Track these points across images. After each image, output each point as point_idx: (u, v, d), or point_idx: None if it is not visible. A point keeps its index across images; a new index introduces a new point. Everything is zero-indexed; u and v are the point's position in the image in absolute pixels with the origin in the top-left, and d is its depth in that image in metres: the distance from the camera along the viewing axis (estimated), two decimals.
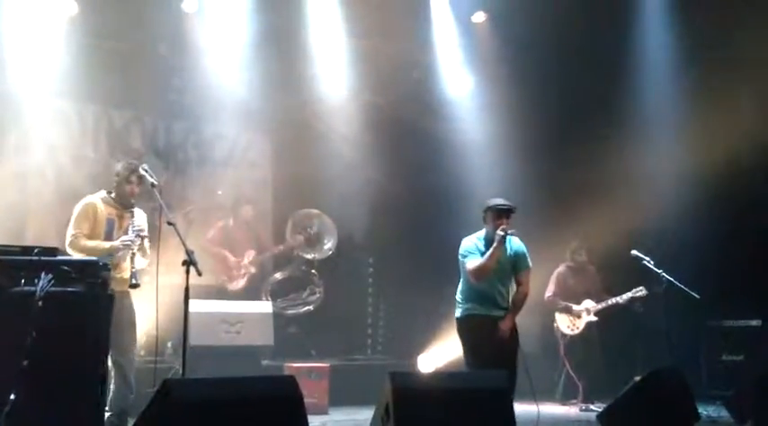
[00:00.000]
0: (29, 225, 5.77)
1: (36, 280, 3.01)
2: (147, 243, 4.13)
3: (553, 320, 6.03)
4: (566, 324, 5.95)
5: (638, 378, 4.28)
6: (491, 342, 4.11)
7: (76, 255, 3.79)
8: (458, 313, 4.28)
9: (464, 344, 4.22)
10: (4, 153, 5.52)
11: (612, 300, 5.79)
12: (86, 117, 6.37)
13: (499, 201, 4.23)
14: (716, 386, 5.41)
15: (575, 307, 5.92)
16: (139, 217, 4.10)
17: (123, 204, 4.08)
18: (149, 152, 6.63)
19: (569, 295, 5.99)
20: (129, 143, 6.57)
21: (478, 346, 4.12)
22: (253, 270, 6.18)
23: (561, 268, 6.08)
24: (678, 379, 4.10)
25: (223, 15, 6.38)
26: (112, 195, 4.09)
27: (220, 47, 6.38)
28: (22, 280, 3.02)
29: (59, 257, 3.25)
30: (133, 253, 3.88)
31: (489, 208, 4.22)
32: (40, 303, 2.95)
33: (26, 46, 5.58)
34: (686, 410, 4.08)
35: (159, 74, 6.31)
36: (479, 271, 4.12)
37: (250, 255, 6.18)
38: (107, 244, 3.93)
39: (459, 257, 4.28)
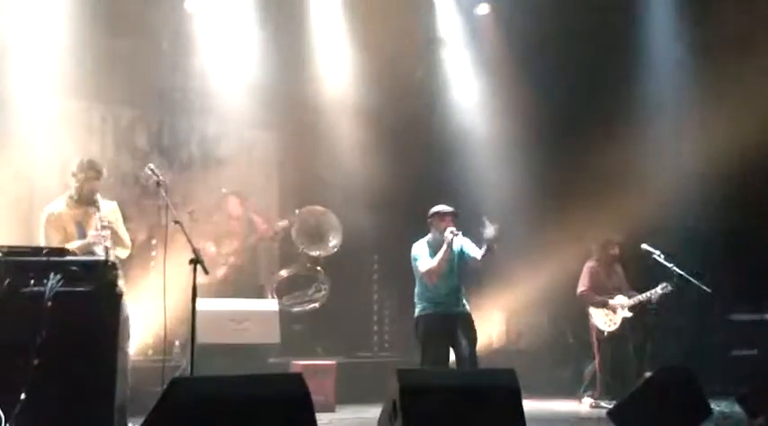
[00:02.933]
0: (36, 224, 5.77)
1: (45, 280, 3.02)
2: (122, 230, 4.11)
3: (579, 315, 5.87)
4: (602, 320, 5.75)
5: (648, 374, 4.25)
6: (446, 340, 4.34)
7: None
8: (416, 312, 4.51)
9: (421, 343, 4.42)
10: (11, 153, 5.53)
11: (644, 296, 5.62)
12: (92, 116, 6.38)
13: (443, 207, 4.51)
14: (728, 381, 5.36)
15: (611, 302, 5.74)
16: (105, 208, 4.02)
17: (87, 202, 4.03)
18: (154, 150, 6.65)
19: (601, 290, 5.81)
20: (134, 142, 6.58)
21: (432, 345, 4.34)
22: (232, 259, 6.03)
23: (591, 263, 5.90)
24: (689, 375, 4.07)
25: (226, 13, 6.38)
26: (74, 197, 4.06)
27: (224, 45, 6.38)
28: (32, 281, 3.04)
29: (68, 257, 3.26)
30: (106, 247, 3.83)
31: (434, 214, 4.51)
32: (49, 303, 2.96)
33: (31, 46, 5.58)
34: (698, 405, 4.05)
35: (163, 72, 6.31)
36: (432, 273, 4.40)
37: (231, 245, 6.06)
38: (77, 243, 3.89)
39: (412, 261, 4.50)
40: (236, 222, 6.24)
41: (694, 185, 6.33)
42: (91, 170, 4.02)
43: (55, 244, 3.90)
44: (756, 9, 5.99)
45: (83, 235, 3.96)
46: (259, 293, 6.28)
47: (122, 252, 4.07)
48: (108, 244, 3.87)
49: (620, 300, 5.74)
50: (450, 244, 4.33)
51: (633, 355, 5.65)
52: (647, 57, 6.76)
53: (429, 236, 4.55)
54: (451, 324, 4.37)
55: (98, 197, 4.02)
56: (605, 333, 5.71)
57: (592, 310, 5.82)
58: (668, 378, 3.98)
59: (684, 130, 6.48)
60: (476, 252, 4.40)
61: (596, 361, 5.75)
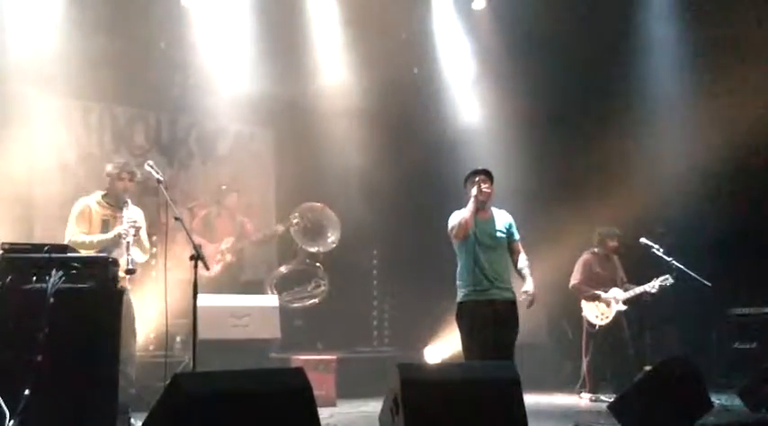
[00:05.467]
0: (36, 222, 5.80)
1: (47, 277, 3.02)
2: (144, 236, 4.25)
3: (579, 309, 5.78)
4: (594, 314, 5.66)
5: (649, 368, 4.25)
6: (488, 328, 4.11)
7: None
8: (458, 297, 4.28)
9: (466, 332, 4.20)
10: (11, 151, 5.53)
11: (640, 289, 5.52)
12: (90, 115, 6.38)
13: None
14: (728, 374, 5.35)
15: (603, 295, 5.63)
16: (133, 211, 4.19)
17: (117, 204, 4.20)
18: (153, 148, 6.65)
19: (596, 283, 5.71)
20: (133, 140, 6.58)
21: (481, 333, 4.11)
22: (229, 257, 6.04)
23: (587, 255, 5.81)
24: (690, 368, 4.08)
25: (222, 9, 6.36)
26: (106, 197, 4.24)
27: (220, 41, 6.37)
28: (34, 278, 3.04)
29: (69, 254, 3.26)
30: (128, 243, 3.96)
31: (467, 177, 4.31)
32: (51, 299, 2.97)
33: (29, 44, 5.57)
34: (699, 399, 4.05)
35: (161, 70, 6.29)
36: (457, 227, 4.20)
37: (228, 242, 6.05)
38: (104, 236, 4.07)
39: (449, 230, 4.31)
40: (230, 221, 6.22)
41: (695, 179, 6.32)
42: (124, 171, 4.22)
43: (82, 229, 4.09)
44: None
45: (106, 231, 4.13)
46: (257, 289, 6.29)
47: (141, 257, 4.19)
48: (130, 239, 3.98)
49: (615, 293, 5.64)
50: (476, 198, 4.15)
51: (630, 348, 5.58)
52: (646, 48, 6.75)
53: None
54: (495, 312, 4.13)
55: (128, 199, 4.20)
56: (596, 327, 5.63)
57: (584, 303, 5.74)
58: (669, 372, 3.97)
59: (686, 124, 6.47)
60: (518, 249, 4.29)
61: (587, 356, 5.67)
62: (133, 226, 4.05)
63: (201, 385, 2.81)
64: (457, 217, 4.26)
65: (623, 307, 5.62)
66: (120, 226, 4.07)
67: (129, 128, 6.59)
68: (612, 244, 5.78)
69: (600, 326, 5.64)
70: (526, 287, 4.22)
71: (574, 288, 5.79)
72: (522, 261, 4.31)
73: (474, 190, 4.18)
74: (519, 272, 4.29)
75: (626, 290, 5.65)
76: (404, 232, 7.12)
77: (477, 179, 4.22)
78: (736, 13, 6.09)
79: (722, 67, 6.18)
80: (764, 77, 6.01)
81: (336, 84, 6.88)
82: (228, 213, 6.22)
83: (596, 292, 5.68)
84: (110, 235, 4.07)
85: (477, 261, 4.19)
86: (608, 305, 5.66)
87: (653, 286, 5.47)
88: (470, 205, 4.18)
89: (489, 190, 4.22)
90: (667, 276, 5.37)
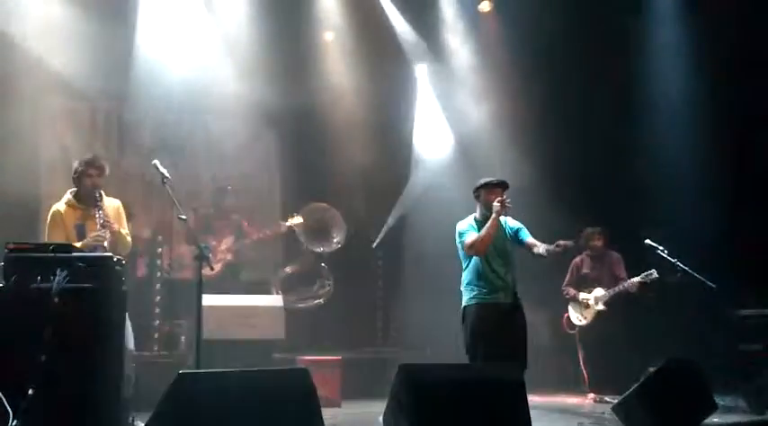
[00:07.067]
0: (42, 222, 5.81)
1: (52, 277, 3.03)
2: (124, 230, 3.99)
3: (566, 311, 5.87)
4: (575, 315, 5.77)
5: (653, 369, 4.24)
6: (498, 332, 4.05)
7: None
8: (463, 301, 4.23)
9: (470, 334, 4.14)
10: (16, 152, 5.57)
11: (620, 287, 5.52)
12: (97, 115, 6.41)
13: (491, 178, 4.24)
14: (733, 375, 5.33)
15: (580, 296, 5.72)
16: (108, 206, 3.93)
17: (88, 202, 3.91)
18: (159, 148, 6.66)
19: (583, 284, 5.79)
20: (138, 140, 6.61)
21: (486, 336, 4.06)
22: (229, 257, 6.01)
23: (579, 257, 5.88)
24: (694, 369, 4.07)
25: (228, 12, 6.40)
26: (77, 197, 3.95)
27: (226, 42, 6.40)
28: (39, 277, 3.04)
29: (74, 254, 3.27)
30: (104, 248, 3.75)
31: (482, 186, 4.21)
32: (56, 299, 2.98)
33: (35, 44, 5.61)
34: (703, 400, 4.04)
35: (167, 71, 6.32)
36: (479, 244, 4.09)
37: (228, 242, 6.04)
38: (78, 245, 3.72)
39: (457, 240, 4.24)
40: (227, 220, 6.21)
41: (699, 176, 6.30)
42: (92, 167, 3.92)
43: (57, 239, 3.80)
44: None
45: (82, 236, 3.88)
46: (262, 289, 6.30)
47: (122, 251, 3.96)
48: (106, 244, 3.79)
49: (597, 293, 5.68)
50: (498, 214, 4.03)
51: (621, 347, 5.54)
52: (650, 49, 6.74)
53: (476, 213, 4.26)
54: (504, 317, 4.09)
55: (101, 194, 3.93)
56: (577, 328, 5.73)
57: (569, 305, 5.84)
58: (674, 373, 3.97)
59: (687, 123, 6.45)
60: (534, 241, 4.13)
61: (580, 356, 5.75)
62: (107, 226, 3.78)
63: (205, 384, 2.84)
64: (472, 234, 4.14)
65: (602, 308, 5.63)
66: (92, 233, 3.82)
67: (135, 129, 6.61)
68: (595, 243, 5.80)
69: (579, 327, 5.74)
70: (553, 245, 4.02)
71: (562, 290, 5.89)
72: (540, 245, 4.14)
73: (496, 205, 4.07)
74: (542, 253, 4.09)
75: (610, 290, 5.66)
76: (408, 232, 7.13)
77: (496, 193, 4.12)
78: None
79: (722, 67, 6.16)
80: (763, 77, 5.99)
81: (341, 84, 6.90)
82: (225, 213, 6.22)
83: (575, 294, 5.79)
84: (84, 241, 3.80)
85: (489, 265, 4.14)
86: (586, 306, 5.70)
87: (634, 283, 5.43)
88: (492, 222, 4.07)
89: (511, 206, 4.10)
90: (652, 271, 5.28)
